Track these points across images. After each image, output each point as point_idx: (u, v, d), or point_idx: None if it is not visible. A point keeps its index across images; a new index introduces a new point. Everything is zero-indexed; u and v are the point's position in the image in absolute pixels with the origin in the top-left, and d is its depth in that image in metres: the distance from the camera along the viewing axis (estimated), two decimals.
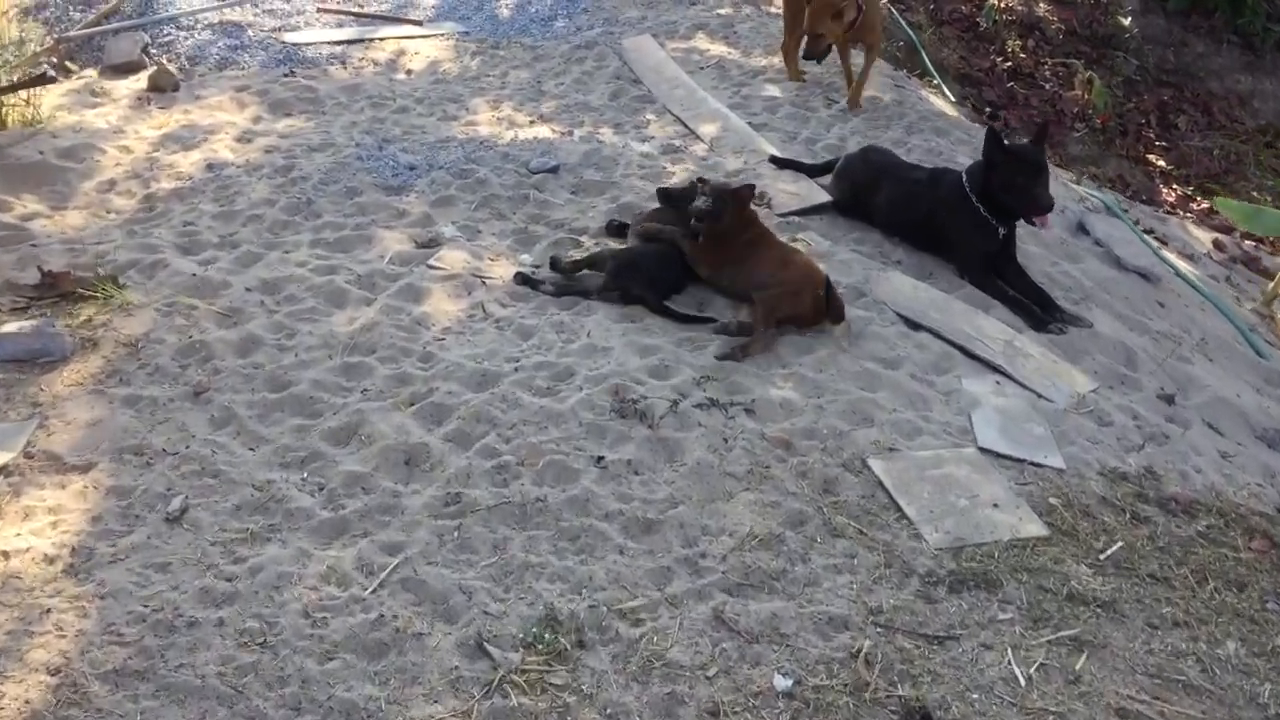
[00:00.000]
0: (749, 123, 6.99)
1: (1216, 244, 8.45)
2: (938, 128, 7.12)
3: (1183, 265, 6.40)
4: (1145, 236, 6.42)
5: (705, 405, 4.21)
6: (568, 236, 5.58)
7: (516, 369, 4.42)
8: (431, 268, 5.20)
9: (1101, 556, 3.71)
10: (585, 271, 5.08)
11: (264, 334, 4.65)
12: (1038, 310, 5.16)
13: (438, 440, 4.02)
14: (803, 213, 5.82)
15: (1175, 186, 10.60)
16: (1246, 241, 8.79)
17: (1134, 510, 3.97)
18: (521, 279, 5.09)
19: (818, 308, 4.67)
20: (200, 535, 3.59)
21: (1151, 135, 11.26)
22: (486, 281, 5.09)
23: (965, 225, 5.29)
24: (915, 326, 4.89)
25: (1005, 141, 5.24)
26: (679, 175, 6.23)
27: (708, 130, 6.89)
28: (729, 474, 3.91)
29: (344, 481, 3.84)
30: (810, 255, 5.20)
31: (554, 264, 5.16)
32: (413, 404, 4.23)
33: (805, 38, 7.15)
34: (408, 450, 3.97)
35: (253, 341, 4.60)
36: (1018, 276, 5.35)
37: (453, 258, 5.29)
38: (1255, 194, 10.77)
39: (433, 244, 5.47)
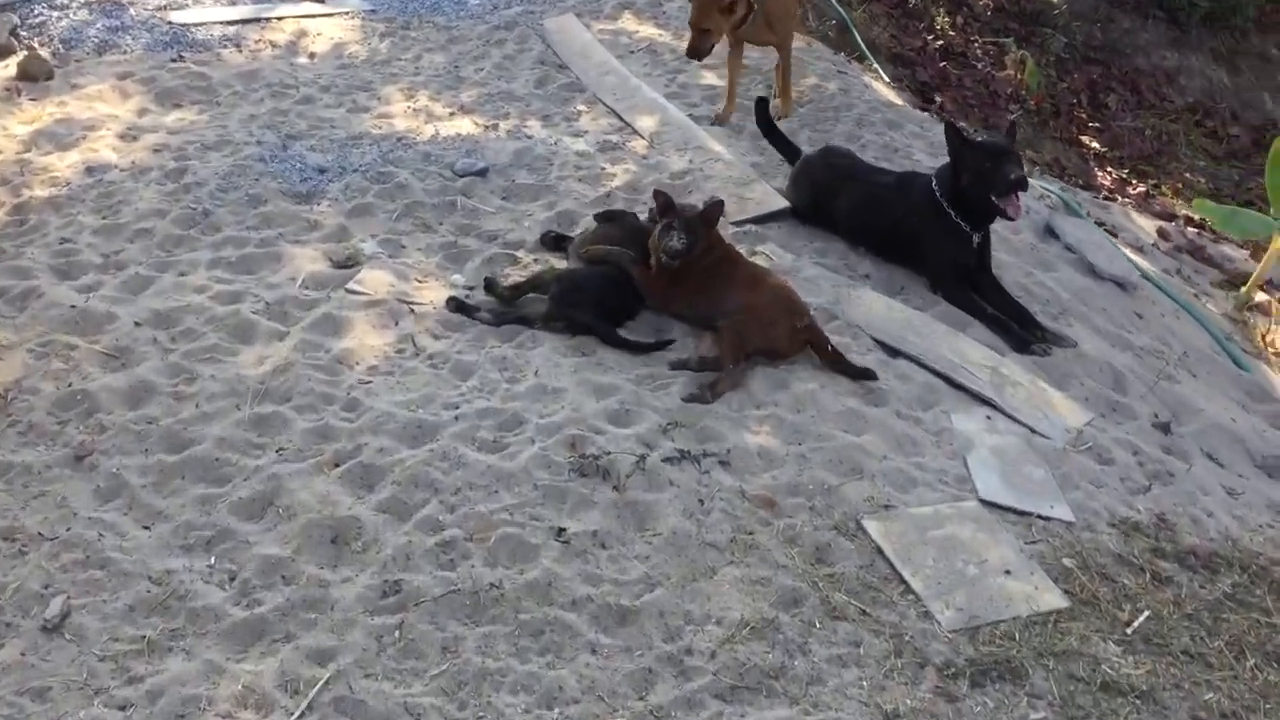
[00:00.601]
0: (689, 115, 6.47)
1: (1161, 233, 8.19)
2: (889, 120, 6.68)
3: (1150, 268, 6.05)
4: (1112, 239, 6.05)
5: (675, 459, 3.71)
6: (502, 252, 5.01)
7: (457, 417, 3.87)
8: (351, 292, 4.61)
9: (1129, 630, 3.31)
10: (527, 296, 4.53)
11: (158, 379, 4.03)
12: (1017, 328, 4.76)
13: (370, 511, 3.46)
14: (760, 220, 5.33)
15: (1110, 169, 10.37)
16: (1189, 229, 8.57)
17: (1154, 569, 3.58)
18: (455, 305, 4.52)
19: (794, 339, 4.19)
20: (86, 647, 3.00)
21: (1084, 116, 11.03)
22: (415, 309, 4.51)
23: (937, 233, 4.86)
24: (894, 353, 4.44)
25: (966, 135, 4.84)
26: (620, 178, 5.69)
27: (646, 124, 6.34)
28: (709, 544, 3.42)
29: (260, 568, 3.27)
30: (778, 275, 4.71)
31: (489, 287, 4.60)
32: (338, 465, 3.66)
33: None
34: (335, 525, 3.41)
35: (145, 390, 3.98)
36: (994, 290, 4.94)
37: (375, 279, 4.69)
38: (1188, 175, 10.61)
39: (351, 263, 4.86)
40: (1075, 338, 4.80)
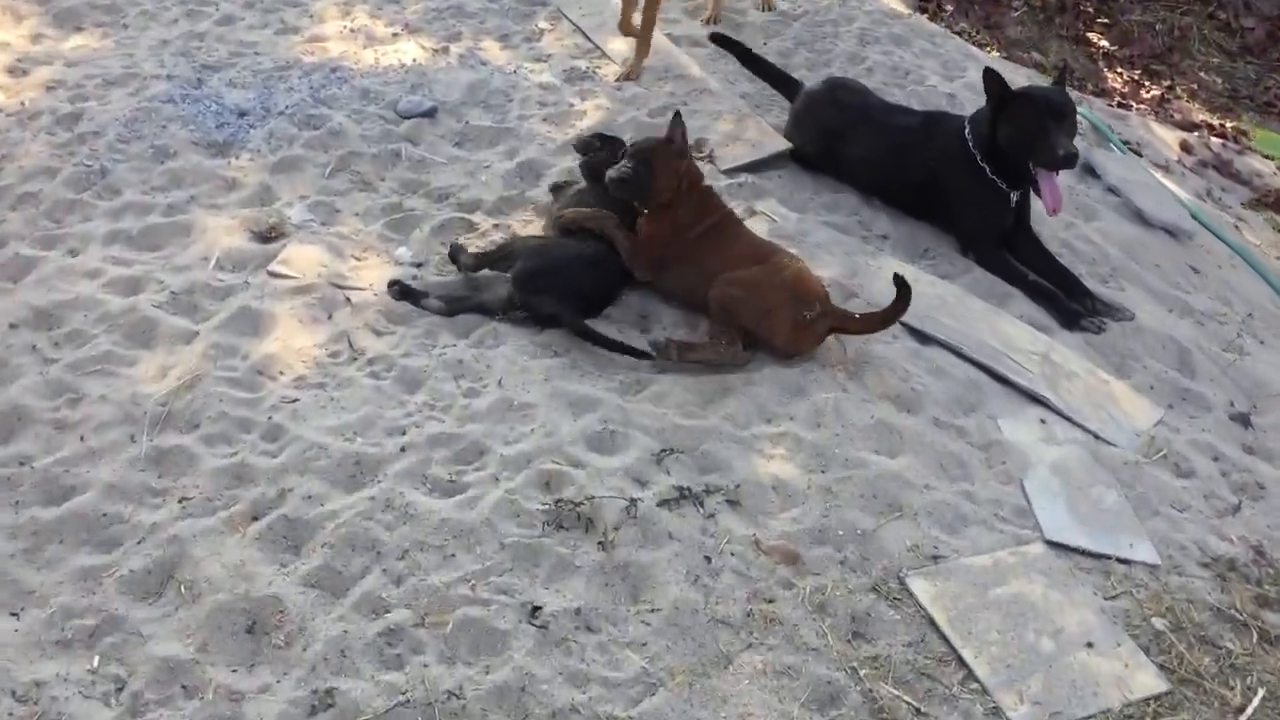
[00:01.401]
0: (666, 34, 5.62)
1: (1184, 146, 7.48)
2: (895, 35, 5.85)
3: (1198, 206, 5.33)
4: (1155, 178, 5.30)
5: (674, 500, 3.01)
6: (456, 215, 4.23)
7: (403, 448, 3.14)
8: (275, 275, 3.83)
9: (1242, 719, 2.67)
10: (488, 272, 3.78)
11: (34, 402, 3.28)
12: (1064, 298, 4.05)
13: (295, 587, 2.76)
14: (755, 167, 4.55)
15: (1120, 70, 9.59)
16: (1214, 139, 7.88)
17: (1260, 626, 2.95)
18: (400, 291, 3.76)
19: (800, 336, 3.47)
20: None
21: (1090, 10, 10.19)
22: (352, 298, 3.74)
23: (970, 189, 4.12)
24: (925, 339, 3.73)
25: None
26: (592, 116, 4.88)
27: (618, 47, 5.50)
28: (721, 620, 2.74)
29: (155, 675, 2.57)
30: (781, 242, 3.96)
31: (454, 256, 3.86)
32: (255, 519, 2.94)
33: None
34: (251, 608, 2.71)
35: (18, 417, 3.23)
36: (1035, 251, 4.22)
37: (303, 257, 3.91)
38: (1203, 74, 9.87)
39: (275, 234, 4.07)
40: (1131, 306, 4.10)
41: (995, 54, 6.89)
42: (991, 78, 4.03)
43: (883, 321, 3.49)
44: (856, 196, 4.48)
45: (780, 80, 4.87)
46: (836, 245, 4.07)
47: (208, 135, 4.66)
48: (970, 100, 5.27)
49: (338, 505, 2.95)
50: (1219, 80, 9.95)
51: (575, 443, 3.16)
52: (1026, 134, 3.92)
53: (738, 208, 4.25)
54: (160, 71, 5.16)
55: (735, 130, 4.74)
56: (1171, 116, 8.35)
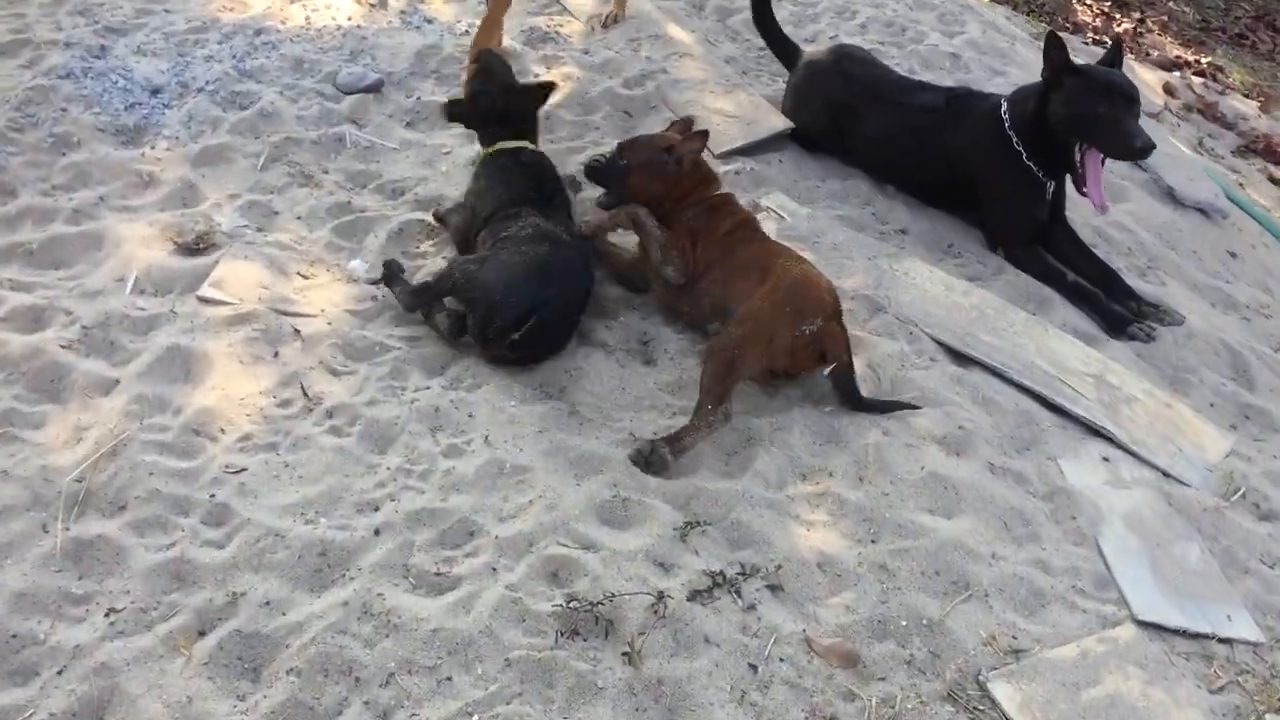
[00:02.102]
0: None
1: (1168, 89, 7.10)
2: None
3: (1220, 176, 4.91)
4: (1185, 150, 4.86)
5: (706, 590, 2.54)
6: (414, 216, 3.66)
7: (377, 530, 2.62)
8: (207, 301, 3.25)
9: None
10: (441, 307, 3.22)
11: None
12: (1105, 300, 3.61)
13: None
14: (752, 149, 4.03)
15: (1089, 2, 9.17)
16: (1195, 78, 7.51)
17: None
18: (393, 273, 3.30)
19: (796, 353, 2.98)
20: None
21: None
22: (301, 328, 3.18)
23: (1004, 180, 3.65)
24: (966, 360, 3.27)
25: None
26: (560, 88, 4.29)
27: (581, 3, 4.90)
28: None
29: None
30: (794, 245, 3.46)
31: (388, 280, 3.30)
32: (202, 634, 2.42)
33: None
34: None
35: None
36: (1071, 244, 3.78)
37: (239, 276, 3.33)
38: (1172, 4, 9.52)
39: (203, 245, 3.48)
40: (1175, 304, 3.69)
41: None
42: (1055, 46, 3.52)
43: (845, 393, 3.05)
44: (867, 182, 3.98)
45: (779, 44, 4.32)
46: (855, 247, 3.57)
47: (116, 118, 4.01)
48: (975, 61, 4.77)
49: (303, 614, 2.43)
50: (1188, 10, 9.59)
51: (583, 516, 2.66)
52: (1092, 118, 3.44)
53: (740, 201, 3.73)
54: (57, 36, 4.47)
55: (726, 104, 4.20)
56: (1148, 54, 7.96)
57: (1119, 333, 3.52)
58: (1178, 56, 8.06)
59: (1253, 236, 4.45)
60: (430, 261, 3.48)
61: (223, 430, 2.87)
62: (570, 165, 3.87)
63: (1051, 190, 3.70)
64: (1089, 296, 3.61)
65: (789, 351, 2.97)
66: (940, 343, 3.28)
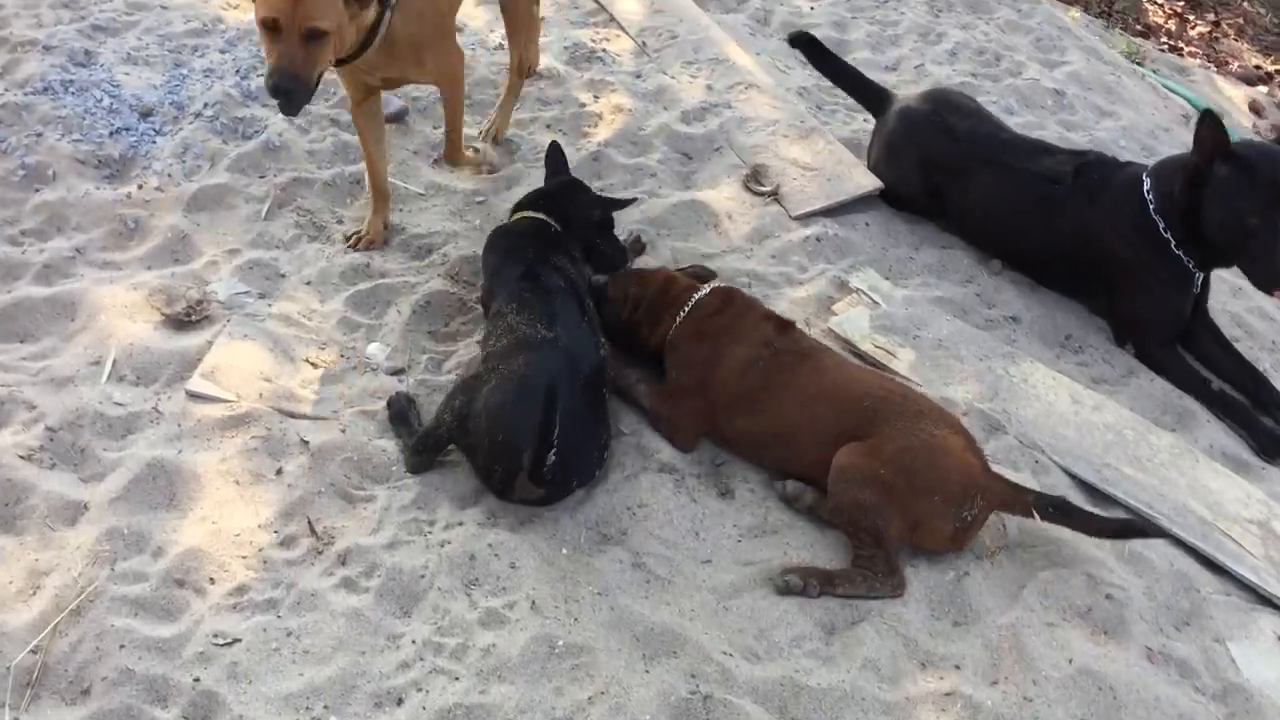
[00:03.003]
0: None
1: (1254, 108, 6.51)
2: None
3: None
4: None
5: None
6: (444, 289, 3.11)
7: None
8: (197, 397, 2.71)
9: None
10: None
11: None
12: (1253, 413, 3.08)
13: None
14: (834, 211, 3.48)
15: (1161, 2, 8.56)
16: None
17: None
18: (399, 412, 2.69)
19: (961, 536, 2.46)
20: None
21: None
22: (310, 439, 2.64)
23: (1146, 268, 3.10)
24: (1102, 496, 2.74)
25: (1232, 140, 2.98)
26: (608, 123, 3.75)
27: (631, 11, 4.33)
28: None
29: None
30: (889, 340, 2.92)
31: (395, 420, 2.73)
32: None
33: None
34: None
35: None
36: (1213, 341, 3.25)
37: (236, 364, 2.80)
38: (1247, 4, 8.92)
39: (195, 316, 2.95)
40: None
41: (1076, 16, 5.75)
42: (1209, 126, 2.95)
43: (1069, 521, 2.48)
44: (969, 254, 3.44)
45: (858, 87, 3.74)
46: (963, 343, 3.03)
47: (99, 147, 3.47)
48: (1080, 99, 4.20)
49: None
50: (1264, 11, 8.98)
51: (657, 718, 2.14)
52: (1238, 228, 2.90)
53: (821, 277, 3.19)
54: (36, 35, 3.91)
55: (802, 153, 3.64)
56: (1227, 64, 7.38)
57: (1273, 455, 2.99)
58: (1257, 66, 7.47)
59: None
60: (462, 347, 2.94)
61: (212, 580, 2.35)
62: (623, 220, 3.32)
63: (1200, 280, 3.15)
64: (1236, 410, 3.08)
65: (950, 538, 2.46)
66: (1073, 475, 2.75)
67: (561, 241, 2.86)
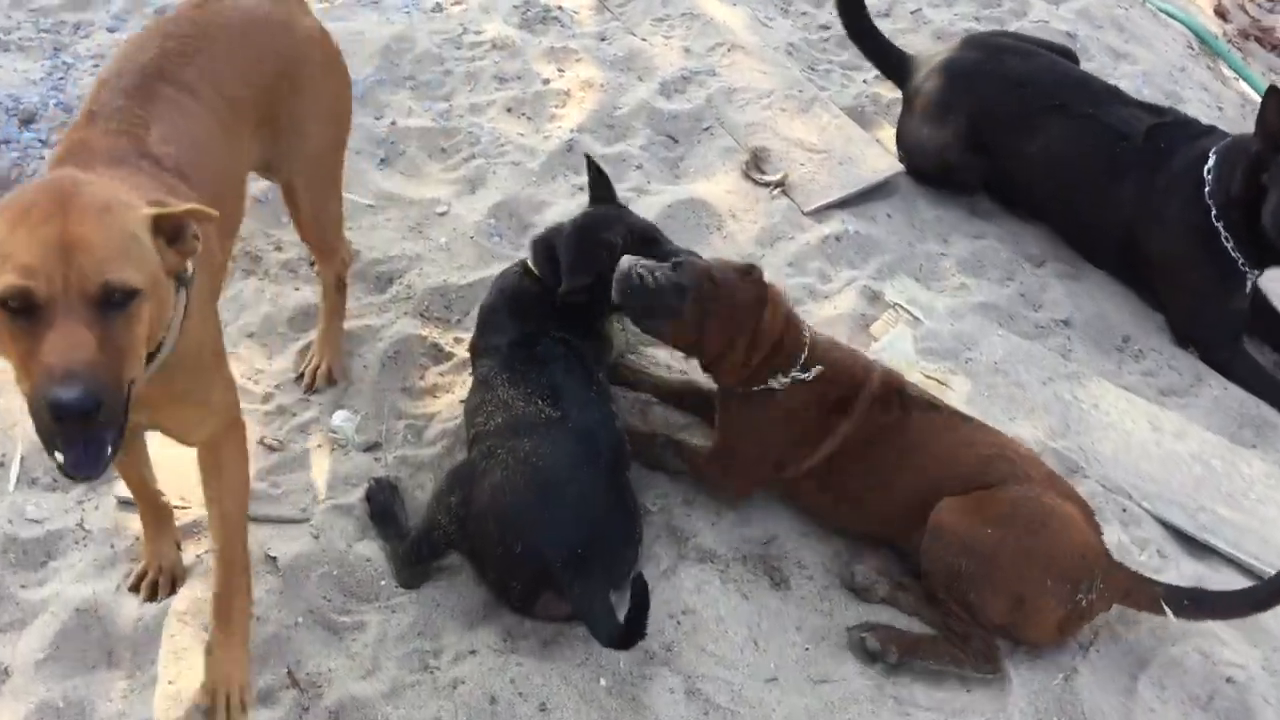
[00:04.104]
0: None
1: (1219, 12, 6.15)
2: None
3: None
4: None
5: None
6: (412, 330, 2.63)
7: None
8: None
9: None
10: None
11: None
12: None
13: None
14: (848, 201, 3.04)
15: None
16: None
17: None
18: (380, 508, 2.24)
19: (1070, 623, 2.10)
20: None
21: None
22: (278, 556, 2.17)
23: (1189, 262, 2.75)
24: (1198, 544, 2.40)
25: None
26: (577, 103, 3.25)
27: None
28: None
29: None
30: (937, 366, 2.53)
31: (376, 517, 2.25)
32: None
33: None
34: None
35: None
36: (1271, 332, 2.89)
37: (173, 454, 2.29)
38: None
39: None
40: None
41: None
42: (1275, 107, 2.55)
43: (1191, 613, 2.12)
44: (1002, 243, 3.03)
45: (880, 52, 3.26)
46: (1021, 363, 2.64)
47: None
48: (1093, 40, 3.77)
49: None
50: None
51: None
52: None
53: (850, 288, 2.76)
54: None
55: (806, 131, 3.18)
56: None
57: None
58: None
59: None
60: (444, 406, 2.48)
61: None
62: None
63: (1252, 282, 2.79)
64: None
65: (1057, 626, 2.09)
66: (1166, 524, 2.40)
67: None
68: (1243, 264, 2.72)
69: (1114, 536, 2.32)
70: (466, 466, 2.14)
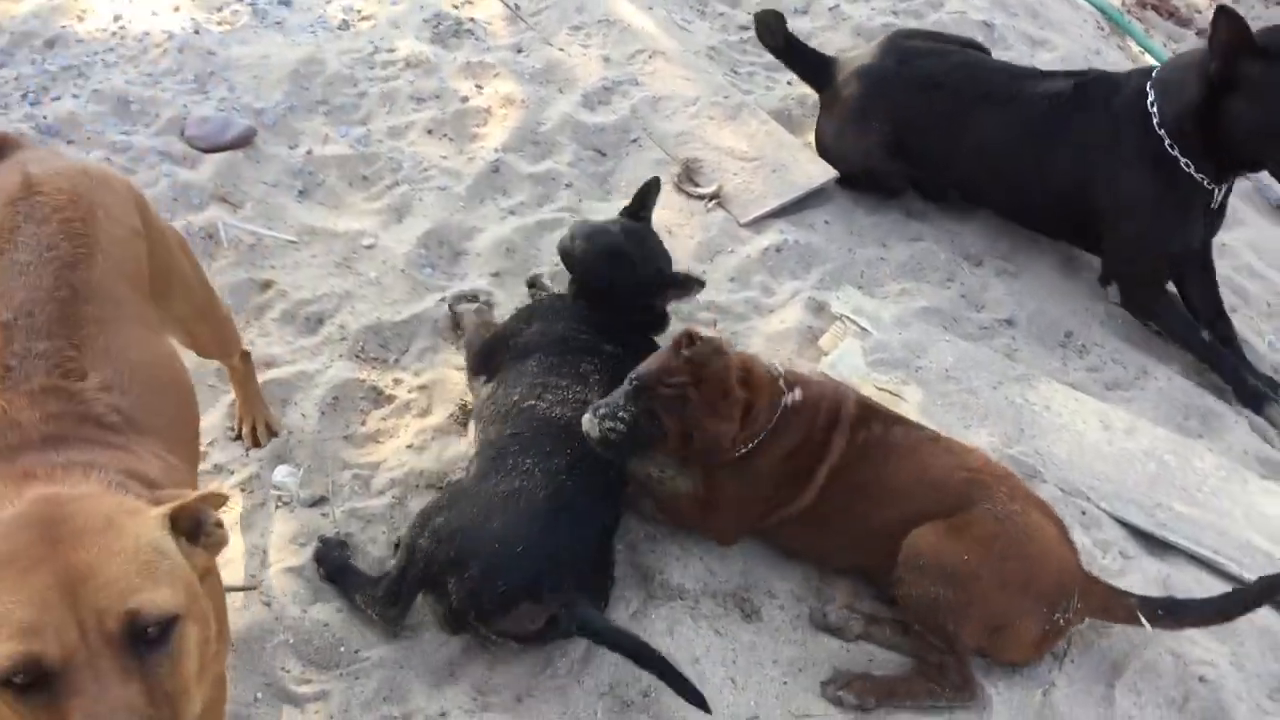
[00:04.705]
0: None
1: None
2: None
3: None
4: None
5: None
6: (353, 374, 2.53)
7: None
8: None
9: None
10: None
11: None
12: (1241, 368, 2.84)
13: None
14: (785, 210, 3.00)
15: None
16: None
17: None
18: (331, 567, 2.15)
19: (1047, 641, 2.09)
20: None
21: None
22: (230, 627, 2.06)
23: (1147, 195, 2.75)
24: (1157, 542, 2.41)
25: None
26: (499, 119, 3.17)
27: None
28: None
29: None
30: (886, 376, 2.51)
31: (332, 576, 2.17)
32: None
33: None
34: None
35: None
36: (1205, 285, 2.95)
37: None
38: None
39: None
40: None
41: None
42: (1227, 23, 2.54)
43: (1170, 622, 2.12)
44: (939, 244, 3.02)
45: (800, 55, 3.21)
46: (971, 369, 2.63)
47: None
48: (1010, 30, 3.78)
49: None
50: None
51: None
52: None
53: (794, 301, 2.73)
54: None
55: (736, 139, 3.13)
56: None
57: (1258, 405, 2.77)
58: None
59: None
60: (390, 453, 2.38)
61: None
62: (545, 251, 2.79)
63: (1218, 203, 2.79)
64: (1223, 363, 2.82)
65: (1034, 645, 2.08)
66: (1126, 524, 2.40)
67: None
68: (1207, 182, 2.72)
69: (1076, 540, 2.31)
70: (457, 485, 2.10)
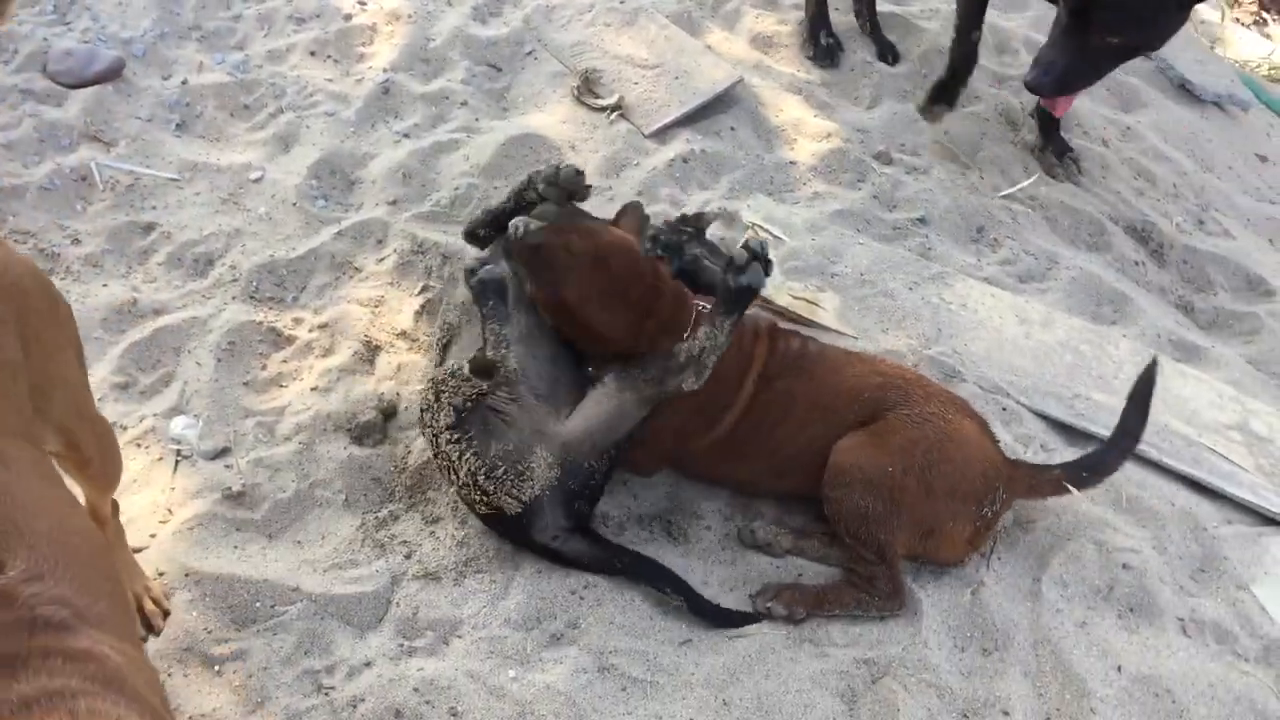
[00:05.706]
0: None
1: None
2: None
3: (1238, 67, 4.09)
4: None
5: None
6: (250, 316, 2.42)
7: None
8: None
9: None
10: None
11: None
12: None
13: None
14: (691, 119, 2.91)
15: None
16: None
17: None
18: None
19: (979, 536, 2.08)
20: None
21: None
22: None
23: None
24: (1077, 433, 2.42)
25: None
26: (387, 35, 3.01)
27: None
28: None
29: None
30: (802, 282, 2.46)
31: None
32: None
33: None
34: None
35: None
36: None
37: None
38: None
39: None
40: (1242, 251, 2.93)
41: None
42: None
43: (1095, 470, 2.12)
44: (849, 142, 2.95)
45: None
46: (886, 270, 2.59)
47: None
48: None
49: None
50: None
51: None
52: None
53: (704, 212, 2.65)
54: None
55: (635, 47, 3.02)
56: None
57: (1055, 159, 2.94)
58: None
59: (1268, 124, 3.69)
60: (293, 396, 2.29)
61: None
62: (444, 175, 2.67)
63: None
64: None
65: (967, 542, 2.07)
66: (1045, 417, 2.40)
67: None
68: None
69: (998, 437, 2.31)
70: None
